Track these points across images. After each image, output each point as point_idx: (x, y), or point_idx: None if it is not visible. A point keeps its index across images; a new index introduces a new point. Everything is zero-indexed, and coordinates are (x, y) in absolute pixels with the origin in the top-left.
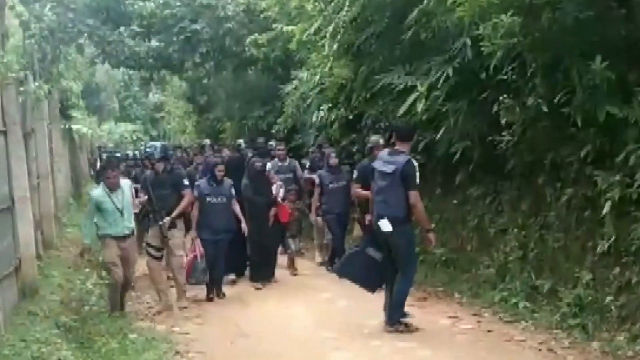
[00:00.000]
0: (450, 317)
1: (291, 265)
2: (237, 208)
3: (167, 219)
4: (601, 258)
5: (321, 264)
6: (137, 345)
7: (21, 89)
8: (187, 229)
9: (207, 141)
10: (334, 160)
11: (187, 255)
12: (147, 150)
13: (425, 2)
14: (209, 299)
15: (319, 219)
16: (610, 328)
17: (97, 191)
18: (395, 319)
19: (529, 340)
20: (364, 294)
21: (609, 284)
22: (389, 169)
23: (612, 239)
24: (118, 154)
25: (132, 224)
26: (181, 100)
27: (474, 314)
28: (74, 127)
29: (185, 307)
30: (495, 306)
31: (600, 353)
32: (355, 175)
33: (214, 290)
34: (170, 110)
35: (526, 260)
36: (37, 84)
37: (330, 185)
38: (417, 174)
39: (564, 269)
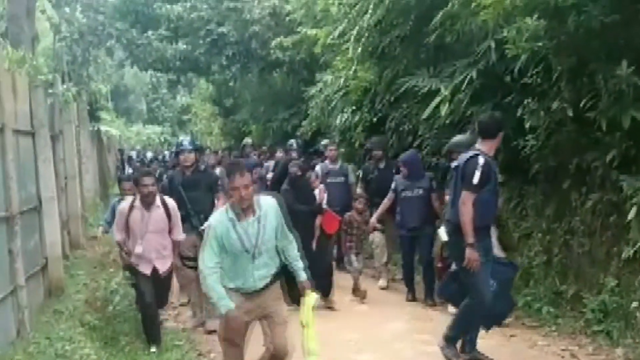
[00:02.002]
0: None
1: (356, 289)
2: None
3: (205, 224)
4: (626, 264)
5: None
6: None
7: (50, 91)
8: None
9: (249, 141)
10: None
11: None
12: (181, 145)
13: (449, 5)
14: None
15: (378, 233)
16: (635, 335)
17: (219, 217)
18: (449, 340)
19: (552, 346)
20: (386, 297)
21: (634, 290)
22: (454, 164)
23: (637, 245)
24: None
25: (273, 270)
26: (207, 102)
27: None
28: (103, 128)
29: (215, 331)
30: (519, 311)
31: None
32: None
33: None
34: (197, 112)
35: (550, 266)
36: (65, 86)
37: (404, 193)
38: (479, 173)
39: (588, 274)
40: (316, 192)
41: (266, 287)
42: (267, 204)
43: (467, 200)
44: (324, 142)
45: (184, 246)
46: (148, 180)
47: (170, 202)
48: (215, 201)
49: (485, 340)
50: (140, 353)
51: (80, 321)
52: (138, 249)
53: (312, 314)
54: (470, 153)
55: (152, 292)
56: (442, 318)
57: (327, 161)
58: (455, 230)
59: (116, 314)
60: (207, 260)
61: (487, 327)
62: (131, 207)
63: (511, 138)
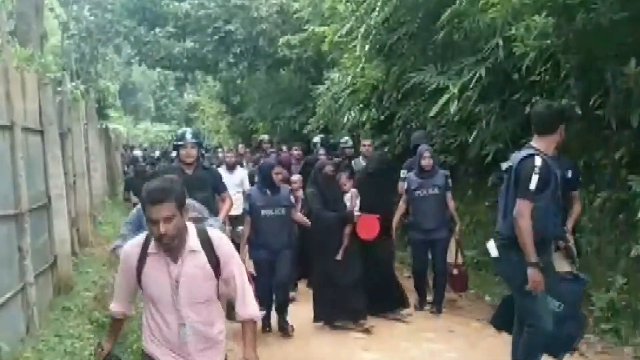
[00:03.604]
0: (480, 320)
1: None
2: (299, 216)
3: None
4: (635, 262)
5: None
6: None
7: (58, 89)
8: None
9: (265, 136)
10: (427, 162)
11: None
12: (183, 137)
13: (457, 2)
14: (265, 330)
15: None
16: None
17: None
18: None
19: None
20: None
21: None
22: (505, 165)
23: None
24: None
25: None
26: (215, 100)
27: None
28: (111, 126)
29: None
30: None
31: (633, 358)
32: None
33: (275, 320)
34: (204, 110)
35: None
36: (73, 84)
37: (417, 193)
38: (537, 177)
39: (597, 272)
40: (347, 196)
41: None
42: None
43: (524, 210)
44: (345, 138)
45: None
46: (161, 211)
47: (217, 237)
48: (220, 203)
49: (494, 339)
50: None
51: (89, 318)
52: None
53: None
54: (525, 152)
55: None
56: (447, 316)
57: (360, 158)
58: (508, 245)
59: None
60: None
61: (558, 356)
62: (143, 254)
63: (519, 136)
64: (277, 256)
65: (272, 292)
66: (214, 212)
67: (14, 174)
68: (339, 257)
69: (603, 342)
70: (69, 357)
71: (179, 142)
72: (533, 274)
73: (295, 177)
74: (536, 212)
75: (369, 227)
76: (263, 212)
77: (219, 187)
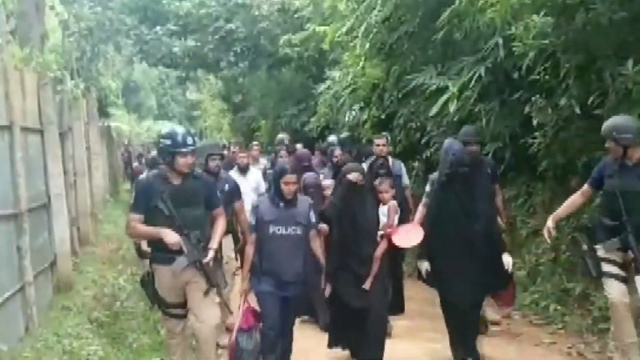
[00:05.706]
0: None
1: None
2: (316, 245)
3: (210, 254)
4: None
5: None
6: None
7: (59, 88)
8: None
9: (284, 136)
10: None
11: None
12: (182, 141)
13: (457, 2)
14: None
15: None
16: None
17: None
18: None
19: (559, 344)
20: None
21: None
22: None
23: None
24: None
25: None
26: (216, 98)
27: (504, 316)
28: (113, 124)
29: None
30: (526, 309)
31: None
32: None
33: None
34: (206, 108)
35: (558, 263)
36: (73, 81)
37: None
38: None
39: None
40: (384, 208)
41: None
42: None
43: None
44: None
45: (170, 287)
46: None
47: None
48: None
49: (492, 339)
50: (147, 350)
51: (88, 317)
52: None
53: None
54: None
55: None
56: None
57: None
58: None
59: (124, 311)
60: None
61: None
62: None
63: (519, 135)
64: (288, 290)
65: (279, 336)
66: (205, 230)
67: (12, 174)
68: (366, 285)
69: (601, 342)
70: (67, 357)
71: (179, 149)
72: None
73: (328, 182)
74: None
75: (406, 236)
76: (272, 229)
77: (212, 202)
